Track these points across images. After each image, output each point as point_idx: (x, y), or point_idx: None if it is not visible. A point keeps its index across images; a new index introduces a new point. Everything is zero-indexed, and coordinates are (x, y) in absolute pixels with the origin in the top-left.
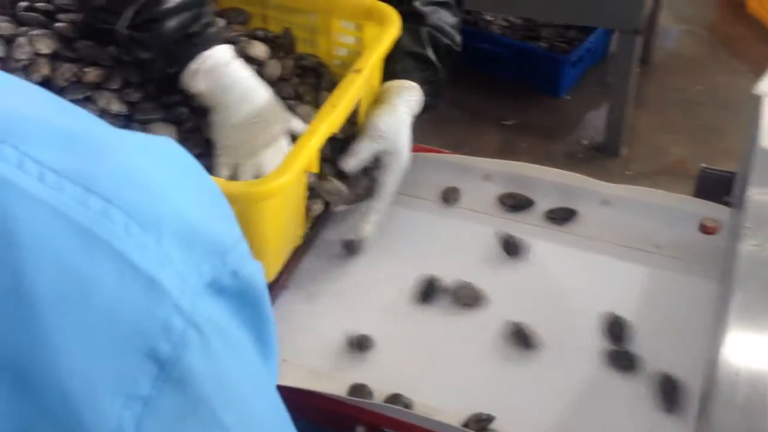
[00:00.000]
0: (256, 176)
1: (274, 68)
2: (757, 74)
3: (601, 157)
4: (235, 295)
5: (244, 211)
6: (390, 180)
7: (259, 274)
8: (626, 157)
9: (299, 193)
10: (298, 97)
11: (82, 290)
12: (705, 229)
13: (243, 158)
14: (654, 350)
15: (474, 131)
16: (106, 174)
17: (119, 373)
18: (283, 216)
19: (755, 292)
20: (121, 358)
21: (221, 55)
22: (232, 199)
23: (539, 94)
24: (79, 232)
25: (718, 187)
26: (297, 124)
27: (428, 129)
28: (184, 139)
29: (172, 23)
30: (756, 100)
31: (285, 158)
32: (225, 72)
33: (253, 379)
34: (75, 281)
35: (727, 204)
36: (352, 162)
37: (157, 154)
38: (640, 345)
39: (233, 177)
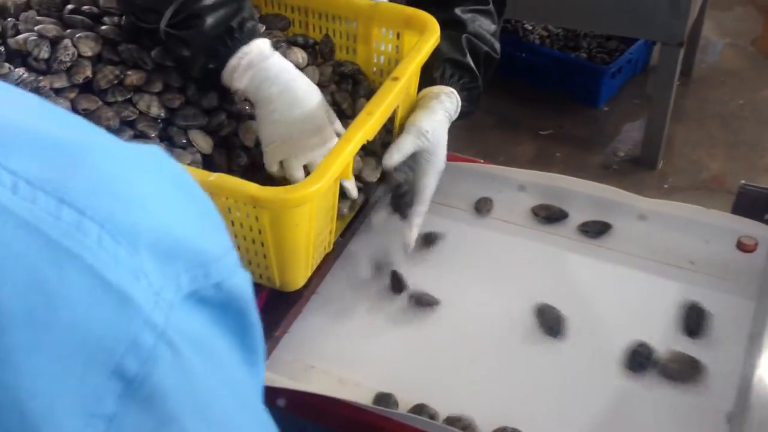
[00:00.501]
0: (309, 164)
1: (312, 75)
2: None
3: (638, 170)
4: (219, 305)
5: (277, 217)
6: (430, 182)
7: (246, 284)
8: (663, 170)
9: (331, 200)
10: (336, 104)
11: (49, 305)
12: (742, 247)
13: (289, 151)
14: (685, 369)
15: (509, 140)
16: (83, 184)
17: (83, 392)
18: (315, 222)
19: None
20: (85, 376)
21: (261, 49)
22: (266, 204)
23: (577, 104)
24: (49, 245)
25: (758, 205)
26: (339, 127)
27: (463, 136)
28: (220, 145)
29: (210, 19)
30: None
31: (319, 164)
32: (265, 66)
33: (233, 390)
34: (42, 296)
35: (766, 222)
36: (396, 156)
37: (141, 164)
38: (668, 363)
39: (280, 170)
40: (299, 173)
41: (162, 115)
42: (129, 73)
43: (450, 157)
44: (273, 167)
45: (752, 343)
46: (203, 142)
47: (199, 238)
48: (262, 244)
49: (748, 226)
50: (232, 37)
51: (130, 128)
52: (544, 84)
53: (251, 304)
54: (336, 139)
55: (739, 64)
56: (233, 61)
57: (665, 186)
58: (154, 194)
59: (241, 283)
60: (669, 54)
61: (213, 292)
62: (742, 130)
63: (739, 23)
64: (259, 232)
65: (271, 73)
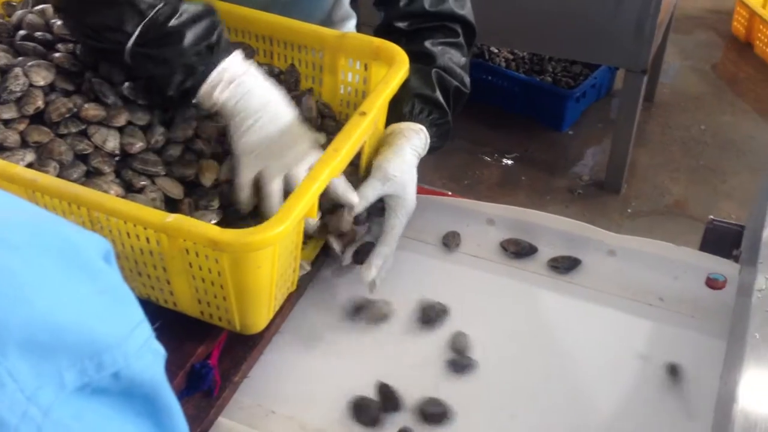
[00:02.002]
0: (287, 176)
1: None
2: (761, 114)
3: (602, 194)
4: (120, 393)
5: (238, 260)
6: (396, 223)
7: (155, 364)
8: (626, 194)
9: (296, 239)
10: None
11: None
12: (711, 284)
13: (268, 160)
14: (658, 403)
15: (475, 163)
16: None
17: None
18: (279, 264)
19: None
20: None
21: (239, 63)
22: (226, 248)
23: (541, 127)
24: None
25: (726, 240)
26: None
27: (429, 160)
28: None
29: (190, 36)
30: None
31: (284, 205)
32: (247, 78)
33: None
34: None
35: (735, 258)
36: (360, 205)
37: (31, 248)
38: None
39: (256, 181)
40: (276, 184)
41: (118, 150)
42: (86, 106)
43: (418, 189)
44: (246, 178)
45: (723, 385)
46: (172, 187)
47: (93, 323)
48: (222, 287)
49: (717, 264)
50: (212, 52)
51: (84, 163)
52: (510, 107)
53: (162, 385)
54: (318, 151)
55: (700, 89)
56: (214, 76)
57: (629, 210)
58: (38, 280)
59: (149, 366)
60: (633, 80)
61: (110, 381)
62: (704, 155)
63: (701, 48)
64: (219, 274)
65: (253, 85)
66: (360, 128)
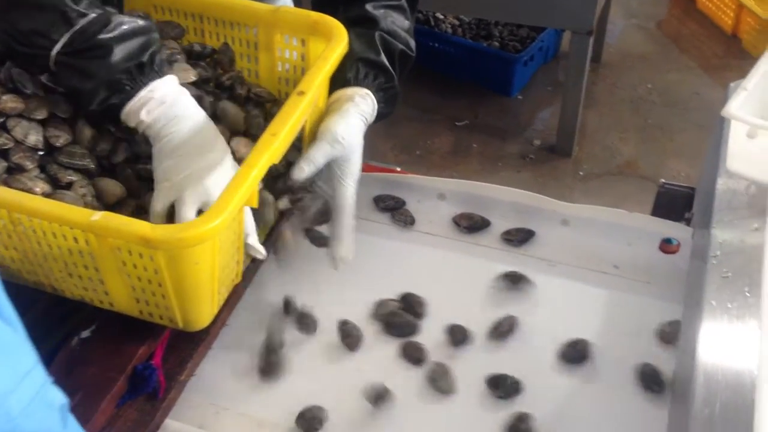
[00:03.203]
0: (204, 205)
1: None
2: (706, 71)
3: (553, 158)
4: None
5: (174, 257)
6: (349, 193)
7: (49, 419)
8: (577, 157)
9: (237, 230)
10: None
11: None
12: (665, 249)
13: (185, 190)
14: (614, 370)
15: (426, 131)
16: None
17: None
18: (218, 257)
19: (725, 324)
20: None
21: (170, 86)
22: (159, 246)
23: (491, 93)
24: None
25: (678, 203)
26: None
27: (379, 130)
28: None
29: (120, 52)
30: (723, 122)
31: (220, 196)
32: (178, 103)
33: None
34: None
35: (687, 221)
36: (307, 168)
37: None
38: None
39: (170, 209)
40: (191, 214)
41: (41, 145)
42: (4, 98)
43: (365, 168)
44: (160, 206)
45: (682, 348)
46: (114, 186)
47: None
48: (160, 285)
49: (670, 228)
50: (143, 72)
51: (4, 159)
52: (458, 74)
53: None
54: (231, 162)
55: (645, 48)
56: (143, 95)
57: (580, 173)
58: None
59: (40, 423)
60: (579, 42)
61: None
62: (652, 114)
63: (644, 6)
64: (155, 272)
65: (183, 111)
66: (298, 109)
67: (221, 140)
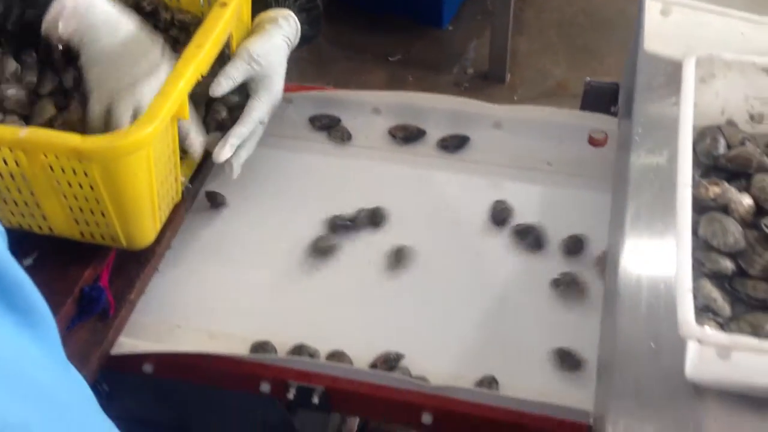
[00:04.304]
0: (136, 113)
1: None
2: None
3: (488, 85)
4: None
5: (109, 169)
6: (256, 105)
7: None
8: (511, 83)
9: (171, 144)
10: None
11: None
12: (593, 142)
13: (118, 95)
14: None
15: (358, 69)
16: None
17: None
18: (155, 170)
19: (648, 200)
20: None
21: None
22: (93, 156)
23: (422, 26)
24: None
25: (604, 98)
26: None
27: (311, 69)
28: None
29: None
30: (642, 5)
31: (149, 105)
32: (89, 10)
33: None
34: None
35: (614, 114)
36: (225, 83)
37: None
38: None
39: (108, 116)
40: (126, 118)
41: None
42: None
43: (297, 87)
44: (96, 108)
45: (613, 235)
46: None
47: None
48: (98, 201)
49: (597, 121)
50: None
51: None
52: (387, 9)
53: (6, 260)
54: (167, 67)
55: None
56: (56, 6)
57: (515, 98)
58: None
59: None
60: None
61: None
62: (581, 36)
63: None
64: (91, 188)
65: (104, 17)
66: (222, 20)
67: (156, 50)
